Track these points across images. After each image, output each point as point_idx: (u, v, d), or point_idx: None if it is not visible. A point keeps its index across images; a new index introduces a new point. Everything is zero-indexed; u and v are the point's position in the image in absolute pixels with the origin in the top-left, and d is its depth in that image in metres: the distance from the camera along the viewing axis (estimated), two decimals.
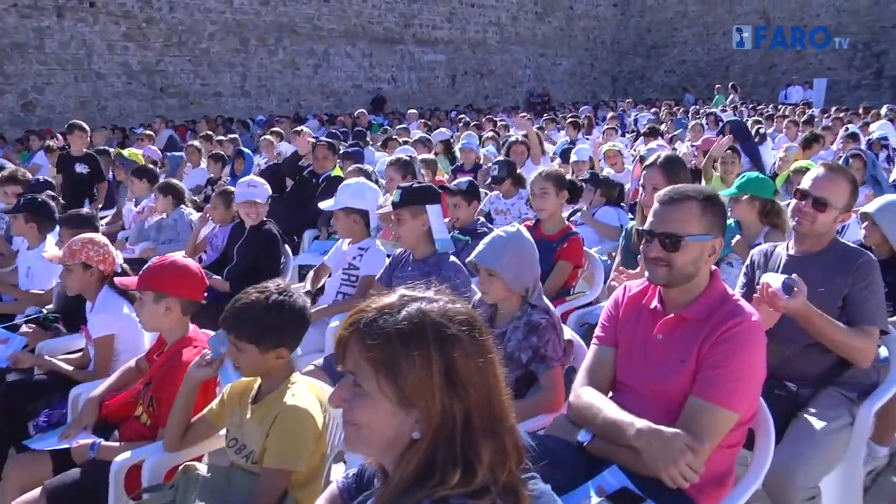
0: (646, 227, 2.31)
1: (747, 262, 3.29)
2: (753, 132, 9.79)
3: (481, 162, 7.90)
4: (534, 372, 2.85)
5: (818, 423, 2.76)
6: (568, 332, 3.05)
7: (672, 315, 2.30)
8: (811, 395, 2.89)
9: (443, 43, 28.16)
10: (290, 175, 7.12)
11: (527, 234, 3.01)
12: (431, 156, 7.08)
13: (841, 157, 7.04)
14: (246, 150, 8.68)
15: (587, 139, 11.21)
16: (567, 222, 4.46)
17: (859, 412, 2.84)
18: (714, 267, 2.36)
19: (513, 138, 7.71)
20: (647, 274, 2.35)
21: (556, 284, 4.17)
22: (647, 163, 3.51)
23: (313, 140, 7.06)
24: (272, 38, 24.05)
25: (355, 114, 16.80)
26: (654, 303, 2.38)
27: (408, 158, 5.64)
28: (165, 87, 22.01)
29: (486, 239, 2.96)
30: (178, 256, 3.17)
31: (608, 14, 34.00)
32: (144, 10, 21.06)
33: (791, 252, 3.09)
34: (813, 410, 2.82)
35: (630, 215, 5.49)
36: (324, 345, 4.02)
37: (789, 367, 2.97)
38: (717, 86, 23.25)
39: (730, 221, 4.72)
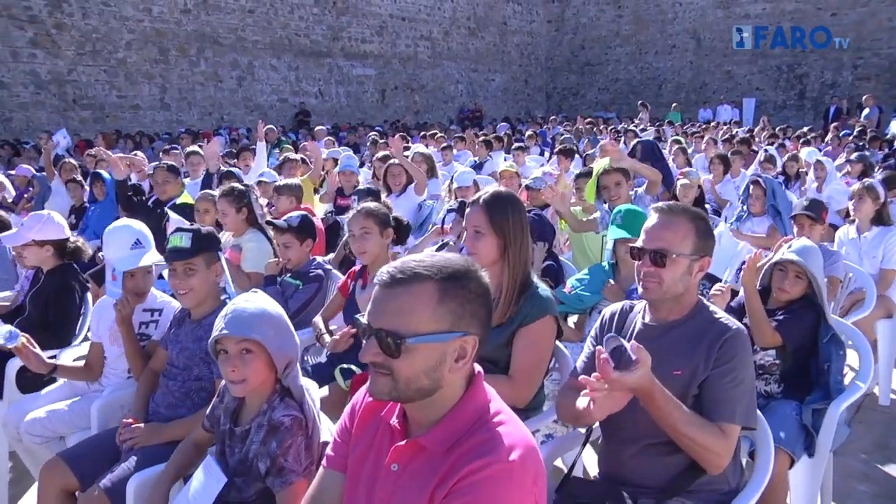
0: (364, 318, 1.59)
1: (596, 324, 2.61)
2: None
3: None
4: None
5: None
6: (328, 431, 2.32)
7: (406, 441, 1.61)
8: None
9: (372, 57, 27.43)
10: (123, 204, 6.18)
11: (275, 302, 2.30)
12: (297, 180, 6.30)
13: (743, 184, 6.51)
14: (102, 172, 7.71)
15: (507, 158, 10.61)
16: None
17: None
18: (478, 368, 1.66)
19: (392, 161, 6.92)
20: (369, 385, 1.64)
21: None
22: (471, 200, 2.81)
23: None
24: (194, 49, 23.04)
25: (264, 129, 15.86)
26: (395, 418, 1.68)
27: (243, 188, 4.84)
28: (78, 99, 20.77)
29: (227, 310, 2.23)
30: None
31: (542, 30, 33.78)
32: (54, 14, 19.79)
33: (646, 319, 2.42)
34: None
35: None
36: (90, 422, 3.24)
37: (627, 473, 2.29)
38: (675, 104, 22.89)
39: (603, 262, 4.10)
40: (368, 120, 25.61)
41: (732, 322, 2.30)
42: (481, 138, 11.65)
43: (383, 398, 1.59)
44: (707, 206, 7.66)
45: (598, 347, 2.00)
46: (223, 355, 2.22)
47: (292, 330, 2.31)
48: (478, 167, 10.23)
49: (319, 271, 4.15)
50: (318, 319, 3.81)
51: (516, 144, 11.30)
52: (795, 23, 26.19)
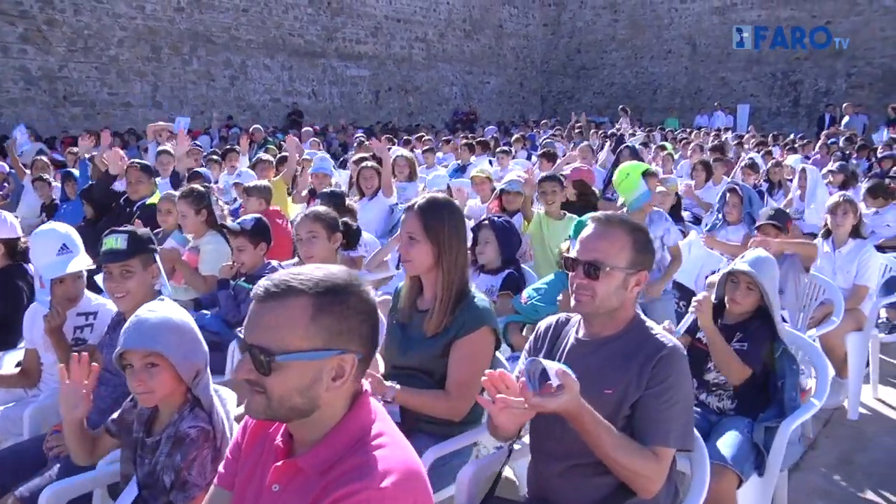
0: (242, 333, 1.50)
1: (531, 337, 2.51)
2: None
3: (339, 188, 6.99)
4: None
5: None
6: None
7: (283, 462, 1.52)
8: None
9: (367, 58, 27.33)
10: (101, 200, 6.12)
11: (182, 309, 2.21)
12: (265, 182, 6.20)
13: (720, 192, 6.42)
14: (72, 170, 7.62)
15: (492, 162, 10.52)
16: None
17: None
18: (366, 386, 1.57)
19: (364, 164, 6.82)
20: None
21: None
22: (406, 205, 2.72)
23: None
24: (186, 48, 22.96)
25: (250, 129, 15.83)
26: (279, 437, 1.58)
27: (202, 190, 4.75)
28: (69, 95, 20.67)
29: (129, 323, 2.15)
30: None
31: (538, 34, 33.70)
32: (45, 10, 19.69)
33: (580, 334, 2.32)
34: None
35: None
36: (23, 428, 3.15)
37: (552, 493, 2.20)
38: (671, 110, 22.82)
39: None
40: (361, 121, 25.50)
41: (668, 339, 2.21)
42: (462, 142, 11.53)
43: (259, 417, 1.51)
44: (686, 212, 7.58)
45: (521, 368, 1.91)
46: (129, 369, 2.14)
47: (199, 338, 2.22)
48: (462, 170, 10.14)
49: None
50: None
51: (500, 148, 11.22)
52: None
